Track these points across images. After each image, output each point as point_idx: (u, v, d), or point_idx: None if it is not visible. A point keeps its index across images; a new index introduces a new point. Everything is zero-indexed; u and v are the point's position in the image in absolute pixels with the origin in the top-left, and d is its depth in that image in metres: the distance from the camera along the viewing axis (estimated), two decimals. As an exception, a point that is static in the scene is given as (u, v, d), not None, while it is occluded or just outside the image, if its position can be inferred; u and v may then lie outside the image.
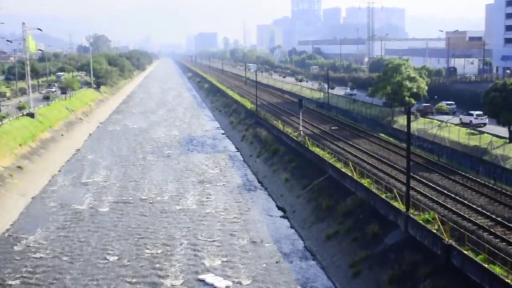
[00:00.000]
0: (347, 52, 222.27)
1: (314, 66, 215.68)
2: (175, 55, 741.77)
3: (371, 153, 60.97)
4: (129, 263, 42.79)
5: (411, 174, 42.55)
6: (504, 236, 34.02)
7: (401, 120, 76.92)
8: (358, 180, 48.60)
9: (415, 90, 79.08)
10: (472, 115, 74.53)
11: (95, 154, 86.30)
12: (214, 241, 47.51)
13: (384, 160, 57.25)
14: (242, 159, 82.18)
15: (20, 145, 73.62)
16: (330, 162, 57.01)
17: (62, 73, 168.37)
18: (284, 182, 62.63)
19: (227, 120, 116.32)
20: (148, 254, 44.54)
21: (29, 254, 44.89)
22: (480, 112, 72.49)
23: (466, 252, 31.40)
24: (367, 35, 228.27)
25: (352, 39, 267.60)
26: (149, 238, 48.25)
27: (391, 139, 70.63)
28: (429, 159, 56.89)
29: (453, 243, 32.89)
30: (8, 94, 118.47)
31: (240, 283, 39.27)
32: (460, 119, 75.72)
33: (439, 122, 69.94)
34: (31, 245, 46.89)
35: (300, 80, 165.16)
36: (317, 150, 63.19)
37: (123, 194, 62.78)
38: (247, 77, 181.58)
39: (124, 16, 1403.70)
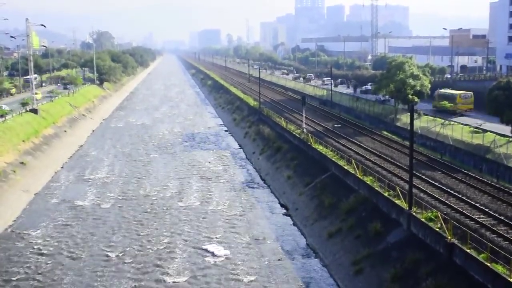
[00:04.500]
0: (351, 49, 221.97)
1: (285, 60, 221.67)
2: (179, 51, 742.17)
3: (374, 151, 60.92)
4: (131, 259, 42.83)
5: (414, 172, 42.50)
6: (506, 235, 33.96)
7: (404, 118, 76.89)
8: (361, 178, 48.57)
9: (418, 88, 79.00)
10: None
11: (98, 150, 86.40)
12: (216, 238, 47.55)
13: (387, 158, 57.19)
14: (245, 156, 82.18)
15: (23, 141, 73.70)
16: (333, 159, 56.97)
17: (35, 76, 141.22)
18: (286, 180, 62.62)
19: (230, 117, 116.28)
20: (151, 251, 44.60)
21: (32, 250, 44.98)
22: None
23: (468, 251, 31.37)
24: (370, 33, 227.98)
25: (356, 36, 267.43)
26: (151, 235, 48.30)
27: (394, 137, 70.56)
28: (432, 157, 56.83)
29: (456, 242, 32.86)
30: (13, 91, 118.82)
31: (242, 280, 39.34)
32: None
33: (442, 120, 69.93)
34: (33, 241, 46.98)
35: (304, 78, 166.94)
36: (320, 147, 63.19)
37: (126, 191, 62.85)
38: (250, 74, 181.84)
39: (127, 13, 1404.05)
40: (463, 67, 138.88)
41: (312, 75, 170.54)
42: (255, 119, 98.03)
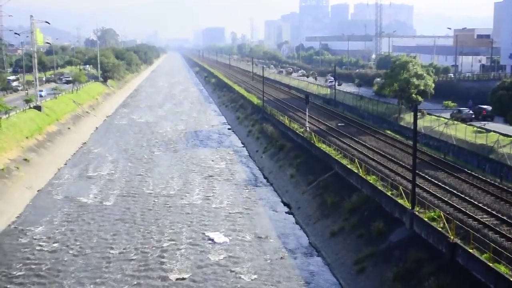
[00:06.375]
0: (355, 48, 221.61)
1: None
2: (183, 49, 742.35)
3: (377, 150, 60.85)
4: (133, 256, 42.91)
5: (417, 171, 42.46)
6: (509, 235, 33.89)
7: (408, 117, 76.76)
8: (364, 177, 48.52)
9: (422, 87, 78.89)
10: None
11: (101, 147, 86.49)
12: (218, 235, 47.56)
13: (390, 157, 57.12)
14: (248, 154, 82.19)
15: (26, 137, 73.79)
16: (336, 158, 56.93)
17: (17, 76, 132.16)
18: (289, 178, 62.61)
19: (234, 115, 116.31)
20: (153, 248, 44.62)
21: (35, 246, 45.08)
22: None
23: (471, 251, 31.33)
24: (375, 32, 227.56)
25: (360, 35, 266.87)
26: (153, 232, 48.35)
27: (397, 136, 70.49)
28: (435, 157, 56.75)
29: (458, 241, 32.82)
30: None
31: (244, 278, 39.35)
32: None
33: (446, 120, 69.86)
34: (36, 237, 47.07)
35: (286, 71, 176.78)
36: (323, 146, 63.15)
37: (128, 188, 62.93)
38: (254, 72, 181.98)
39: (132, 11, 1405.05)
40: (483, 66, 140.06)
41: (292, 68, 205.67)
42: (258, 117, 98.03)
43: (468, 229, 33.97)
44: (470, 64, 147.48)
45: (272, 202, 57.85)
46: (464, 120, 71.74)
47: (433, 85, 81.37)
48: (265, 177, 68.14)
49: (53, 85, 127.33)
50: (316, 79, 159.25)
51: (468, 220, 37.06)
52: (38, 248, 44.74)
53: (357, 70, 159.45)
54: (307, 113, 77.71)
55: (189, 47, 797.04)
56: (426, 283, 32.17)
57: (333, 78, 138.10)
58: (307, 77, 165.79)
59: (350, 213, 46.19)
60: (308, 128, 73.95)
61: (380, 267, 37.09)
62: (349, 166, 52.96)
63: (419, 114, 56.14)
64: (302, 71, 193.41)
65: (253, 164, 75.86)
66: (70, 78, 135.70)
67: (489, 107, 75.01)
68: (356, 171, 50.72)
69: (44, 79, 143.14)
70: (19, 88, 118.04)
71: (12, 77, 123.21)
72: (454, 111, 78.14)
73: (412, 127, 42.77)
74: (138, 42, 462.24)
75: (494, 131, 63.49)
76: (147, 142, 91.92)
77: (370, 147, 63.01)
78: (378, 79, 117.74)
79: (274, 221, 52.06)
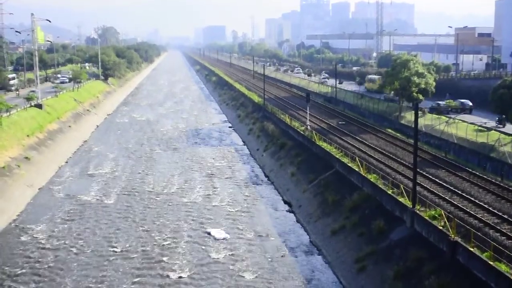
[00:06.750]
0: (356, 47, 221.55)
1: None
2: (183, 47, 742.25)
3: (378, 149, 60.83)
4: (134, 255, 42.93)
5: (418, 170, 42.44)
6: (510, 234, 33.87)
7: (409, 116, 76.75)
8: (365, 175, 48.53)
9: (423, 86, 78.85)
10: None
11: (102, 145, 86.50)
12: (220, 234, 47.56)
13: (391, 155, 57.11)
14: (249, 152, 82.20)
15: (27, 136, 73.81)
16: (337, 157, 56.94)
17: (13, 75, 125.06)
18: (290, 176, 62.62)
19: (235, 114, 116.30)
20: (153, 247, 44.64)
21: (36, 244, 45.09)
22: None
23: (471, 249, 31.32)
24: (375, 30, 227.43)
25: (361, 34, 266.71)
26: (154, 231, 48.37)
27: (398, 134, 70.47)
28: (436, 155, 56.73)
29: (459, 240, 32.81)
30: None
31: (245, 276, 39.38)
32: None
33: (447, 119, 69.89)
34: (37, 235, 47.09)
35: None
36: (324, 144, 63.15)
37: (129, 186, 62.95)
38: (255, 71, 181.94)
39: (132, 9, 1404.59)
40: (488, 65, 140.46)
41: (289, 66, 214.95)
42: (259, 115, 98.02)
43: (469, 227, 33.98)
44: (471, 62, 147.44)
45: (273, 201, 57.88)
46: (441, 113, 78.21)
47: (434, 83, 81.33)
48: (266, 176, 68.15)
49: (48, 85, 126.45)
50: (310, 76, 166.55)
51: (469, 218, 37.05)
52: (39, 246, 44.77)
53: (355, 68, 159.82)
54: (308, 112, 77.68)
55: (190, 45, 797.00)
56: (426, 281, 32.16)
57: (327, 75, 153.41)
58: (308, 75, 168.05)
59: (351, 211, 46.19)
60: (309, 126, 73.96)
61: (381, 266, 37.10)
62: (350, 165, 52.95)
63: (420, 112, 56.17)
64: (299, 68, 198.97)
65: (254, 162, 75.87)
66: (68, 77, 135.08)
67: (468, 101, 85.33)
68: (357, 169, 50.72)
69: (44, 76, 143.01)
70: (12, 88, 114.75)
71: (9, 76, 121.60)
72: (433, 104, 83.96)
73: (413, 126, 42.74)
74: (139, 40, 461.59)
75: (463, 121, 68.78)
76: (148, 140, 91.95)
77: (371, 145, 63.00)
78: (370, 75, 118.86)
79: (275, 219, 52.10)
